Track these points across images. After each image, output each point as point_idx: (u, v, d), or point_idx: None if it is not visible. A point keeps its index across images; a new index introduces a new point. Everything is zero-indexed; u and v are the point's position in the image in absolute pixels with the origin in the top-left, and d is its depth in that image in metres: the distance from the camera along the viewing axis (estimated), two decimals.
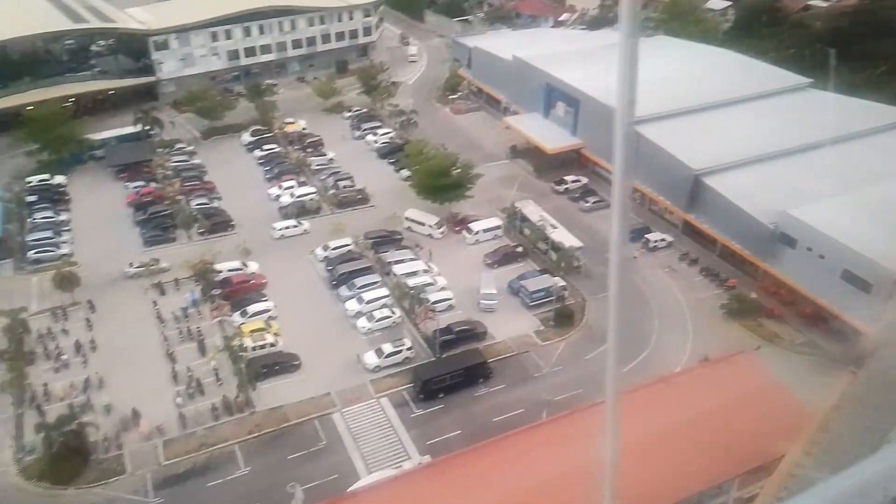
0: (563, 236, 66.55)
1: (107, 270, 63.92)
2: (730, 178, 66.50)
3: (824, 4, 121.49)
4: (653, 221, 72.06)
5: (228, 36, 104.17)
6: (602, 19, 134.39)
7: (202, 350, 54.62)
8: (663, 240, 68.99)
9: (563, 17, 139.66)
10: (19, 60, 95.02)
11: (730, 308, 59.83)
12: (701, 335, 57.12)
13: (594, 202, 75.49)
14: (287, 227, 70.60)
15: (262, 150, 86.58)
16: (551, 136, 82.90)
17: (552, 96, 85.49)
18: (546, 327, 58.19)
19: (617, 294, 6.62)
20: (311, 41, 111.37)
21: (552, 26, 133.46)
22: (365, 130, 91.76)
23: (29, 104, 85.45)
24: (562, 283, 61.64)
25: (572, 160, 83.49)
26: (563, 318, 58.30)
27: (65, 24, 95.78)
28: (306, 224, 71.33)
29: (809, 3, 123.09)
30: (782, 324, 58.58)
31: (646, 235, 68.65)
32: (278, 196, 76.09)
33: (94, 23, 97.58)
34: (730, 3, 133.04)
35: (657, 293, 61.93)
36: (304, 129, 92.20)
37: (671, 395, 43.41)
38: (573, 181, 79.56)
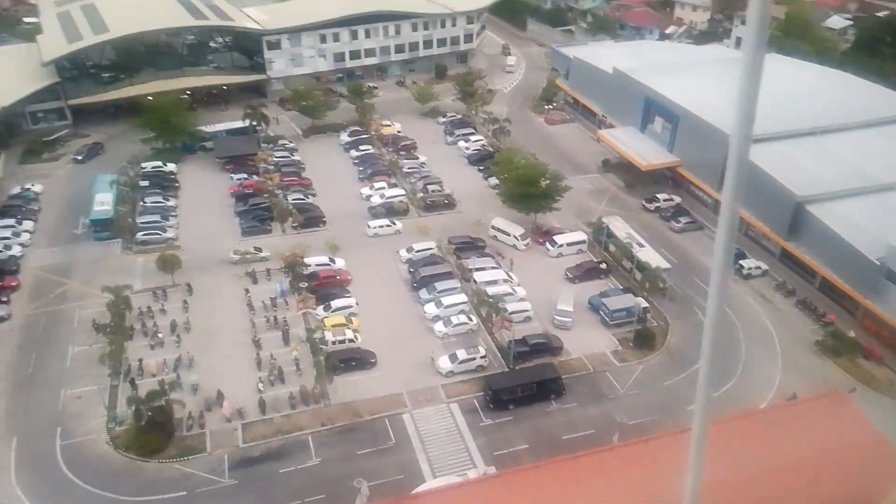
0: (650, 255, 64.73)
1: (206, 256, 67.36)
2: (836, 207, 62.95)
3: None
4: (748, 247, 69.01)
5: (336, 38, 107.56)
6: (710, 33, 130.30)
7: (286, 339, 56.63)
8: (758, 267, 65.99)
9: (670, 29, 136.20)
10: (144, 52, 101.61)
11: (825, 345, 56.66)
12: (791, 370, 54.30)
13: (686, 223, 73.15)
14: (381, 226, 72.27)
15: (358, 150, 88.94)
16: (646, 151, 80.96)
17: (651, 110, 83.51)
18: (625, 348, 56.83)
19: (715, 320, 6.42)
20: (414, 46, 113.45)
21: (657, 39, 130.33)
22: (458, 136, 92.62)
23: (149, 94, 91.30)
24: (644, 303, 59.89)
25: (666, 178, 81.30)
26: (644, 340, 56.74)
27: (187, 20, 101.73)
28: (399, 224, 72.72)
29: None
30: (881, 366, 54.93)
31: (740, 261, 65.75)
32: (369, 196, 78.04)
33: (214, 20, 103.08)
34: (850, 22, 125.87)
35: (748, 323, 59.21)
36: (398, 131, 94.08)
37: (754, 432, 40.98)
38: (665, 199, 77.39)
